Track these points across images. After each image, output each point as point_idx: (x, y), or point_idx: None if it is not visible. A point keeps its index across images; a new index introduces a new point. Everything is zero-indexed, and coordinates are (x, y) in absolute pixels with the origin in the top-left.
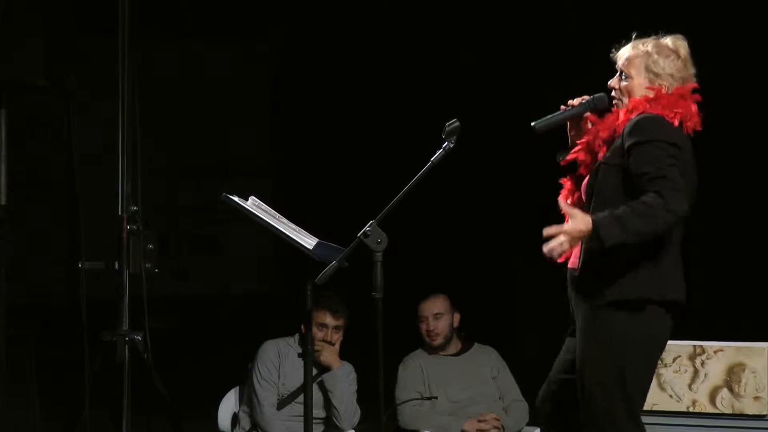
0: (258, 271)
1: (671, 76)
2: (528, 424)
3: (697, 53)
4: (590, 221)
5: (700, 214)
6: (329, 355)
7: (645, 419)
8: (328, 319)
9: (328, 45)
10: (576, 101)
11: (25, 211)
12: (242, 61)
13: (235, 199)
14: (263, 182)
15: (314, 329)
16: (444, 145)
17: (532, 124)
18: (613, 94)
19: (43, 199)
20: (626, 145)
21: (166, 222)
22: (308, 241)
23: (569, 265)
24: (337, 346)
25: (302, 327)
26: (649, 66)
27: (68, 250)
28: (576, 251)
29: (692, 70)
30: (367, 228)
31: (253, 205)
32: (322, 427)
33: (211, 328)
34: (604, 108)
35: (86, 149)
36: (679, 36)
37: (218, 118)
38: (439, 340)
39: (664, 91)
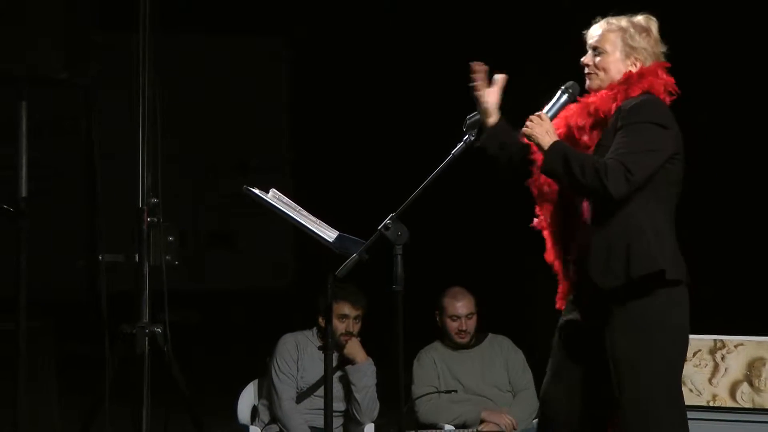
0: (276, 266)
1: (646, 50)
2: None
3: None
4: (551, 143)
5: (722, 206)
6: (355, 349)
7: None
8: (348, 309)
9: (346, 41)
10: (546, 108)
11: (45, 203)
12: (261, 57)
13: (256, 191)
14: (282, 178)
15: (335, 321)
16: (465, 138)
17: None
18: (586, 70)
19: (63, 191)
20: (621, 122)
21: (185, 216)
22: (329, 234)
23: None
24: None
25: (320, 320)
26: (625, 40)
27: (88, 242)
28: (575, 246)
29: (662, 48)
30: (387, 221)
31: (273, 197)
32: (341, 420)
33: (230, 322)
34: (577, 93)
35: (106, 142)
36: (649, 15)
37: (237, 114)
38: (467, 338)
39: (640, 64)
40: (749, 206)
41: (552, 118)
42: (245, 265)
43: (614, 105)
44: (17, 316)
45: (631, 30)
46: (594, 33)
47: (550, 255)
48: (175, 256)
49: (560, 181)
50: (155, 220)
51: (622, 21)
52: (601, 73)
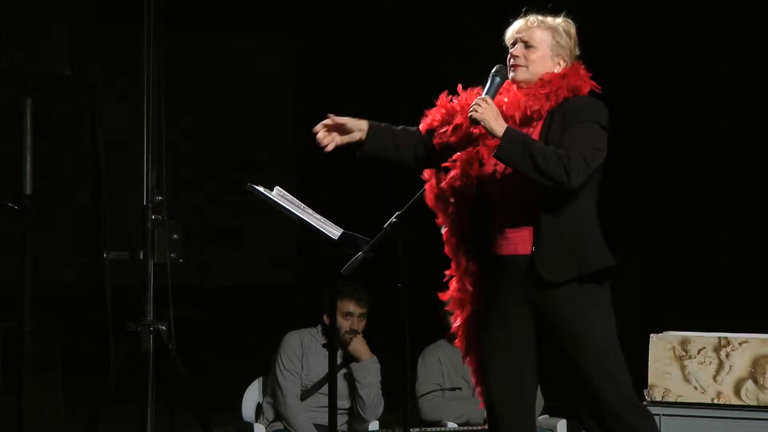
0: (281, 263)
1: (570, 52)
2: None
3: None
4: (503, 129)
5: (727, 204)
6: (360, 346)
7: (670, 411)
8: (353, 307)
9: (352, 36)
10: (483, 92)
11: (49, 200)
12: (267, 52)
13: (261, 189)
14: (287, 174)
15: (339, 319)
16: None
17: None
18: (513, 62)
19: (68, 188)
20: (570, 120)
21: (190, 213)
22: (333, 232)
23: (508, 252)
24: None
25: (325, 317)
26: (555, 38)
27: (93, 239)
28: (515, 237)
29: (578, 51)
30: (392, 219)
31: (278, 195)
32: (345, 418)
33: (235, 319)
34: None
35: (111, 138)
36: (569, 19)
37: (242, 110)
38: None
39: (563, 64)
40: (755, 202)
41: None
42: (251, 262)
43: (548, 104)
44: (22, 313)
45: (560, 29)
46: (523, 27)
47: (451, 249)
48: (179, 254)
49: (515, 167)
50: (160, 217)
51: (551, 20)
52: (531, 66)
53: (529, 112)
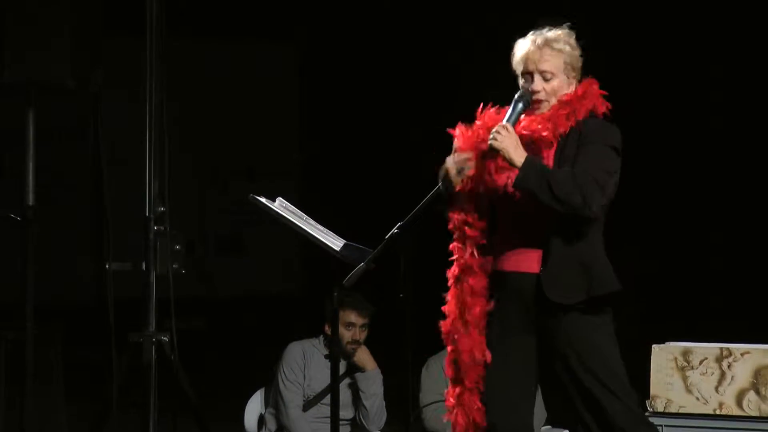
0: (284, 273)
1: (580, 68)
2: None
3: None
4: (522, 159)
5: (727, 214)
6: (365, 356)
7: (671, 421)
8: (355, 318)
9: (354, 46)
10: (505, 117)
11: (52, 211)
12: (268, 62)
13: (263, 200)
14: (289, 184)
15: (341, 329)
16: None
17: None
18: (536, 97)
19: (70, 199)
20: (585, 140)
21: (192, 224)
22: (336, 243)
23: (511, 269)
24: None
25: (326, 328)
26: (566, 61)
27: (95, 250)
28: (522, 255)
29: (579, 52)
30: (395, 230)
31: (280, 206)
32: (348, 428)
33: (237, 330)
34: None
35: (113, 150)
36: (568, 26)
37: (244, 120)
38: None
39: (576, 80)
40: (755, 213)
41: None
42: (253, 272)
43: (566, 125)
44: (24, 324)
45: (568, 49)
46: (536, 57)
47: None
48: (181, 265)
49: (533, 195)
50: (162, 228)
51: (559, 42)
52: (552, 97)
53: (546, 134)
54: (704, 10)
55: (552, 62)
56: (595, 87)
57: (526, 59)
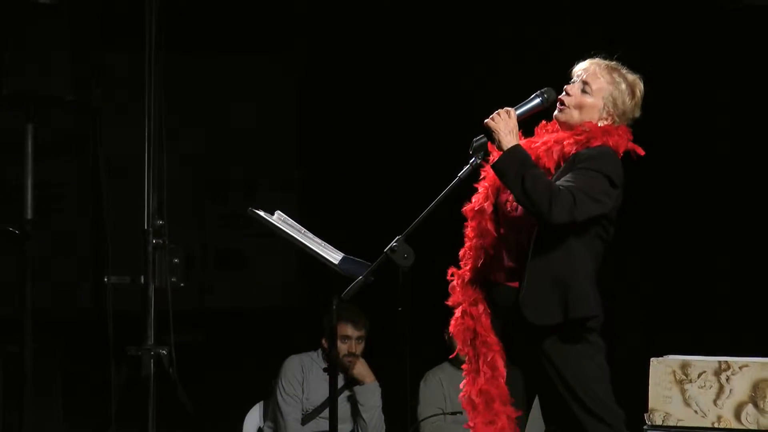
0: (283, 286)
1: (624, 113)
2: None
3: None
4: (511, 144)
5: (726, 228)
6: (363, 369)
7: None
8: (350, 331)
9: (354, 59)
10: (517, 106)
11: (51, 225)
12: (268, 75)
13: (261, 213)
14: (289, 196)
15: (338, 343)
16: (471, 161)
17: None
18: (563, 98)
19: (69, 213)
20: (579, 165)
21: (192, 237)
22: (334, 256)
23: (498, 280)
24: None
25: (323, 341)
26: (614, 95)
27: (94, 264)
28: (507, 269)
29: (637, 114)
30: (393, 243)
31: (279, 219)
32: None
33: (236, 343)
34: (551, 104)
35: (112, 163)
36: (639, 76)
37: (244, 133)
38: None
39: (611, 123)
40: (754, 226)
41: (519, 117)
42: (253, 285)
43: (575, 149)
44: (23, 337)
45: (623, 86)
46: (588, 68)
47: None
48: (180, 278)
49: (506, 183)
50: (161, 242)
51: (617, 74)
52: (576, 111)
53: (556, 156)
54: (710, 35)
55: (600, 82)
56: (624, 130)
57: (582, 67)
